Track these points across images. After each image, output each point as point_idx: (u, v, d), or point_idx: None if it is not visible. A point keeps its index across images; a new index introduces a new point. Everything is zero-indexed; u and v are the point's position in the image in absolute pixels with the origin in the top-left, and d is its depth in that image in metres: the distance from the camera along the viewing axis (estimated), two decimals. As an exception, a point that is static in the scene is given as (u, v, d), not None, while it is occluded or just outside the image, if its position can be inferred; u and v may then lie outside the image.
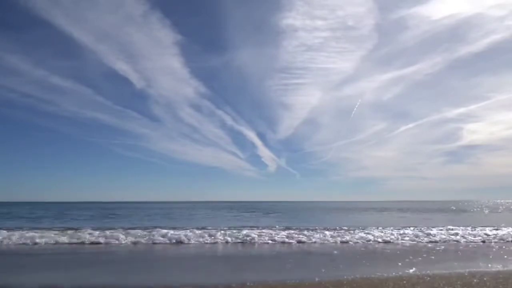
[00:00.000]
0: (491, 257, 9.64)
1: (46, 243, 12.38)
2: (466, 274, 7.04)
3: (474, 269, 7.58)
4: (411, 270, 7.48)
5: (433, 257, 9.48)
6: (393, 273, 7.18)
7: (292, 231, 14.94)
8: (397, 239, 13.52)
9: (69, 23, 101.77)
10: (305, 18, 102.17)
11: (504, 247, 11.74)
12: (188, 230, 14.64)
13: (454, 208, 53.78)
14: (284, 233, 14.45)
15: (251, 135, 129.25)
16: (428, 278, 6.63)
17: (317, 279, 6.66)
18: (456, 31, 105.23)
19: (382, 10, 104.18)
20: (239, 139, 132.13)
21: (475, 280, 6.46)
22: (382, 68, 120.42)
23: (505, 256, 9.79)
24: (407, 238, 13.63)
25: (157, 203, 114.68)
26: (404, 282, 6.37)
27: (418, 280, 6.52)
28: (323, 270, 7.70)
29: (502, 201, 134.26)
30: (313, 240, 13.20)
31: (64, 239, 12.89)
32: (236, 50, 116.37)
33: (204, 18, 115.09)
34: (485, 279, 6.57)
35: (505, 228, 16.13)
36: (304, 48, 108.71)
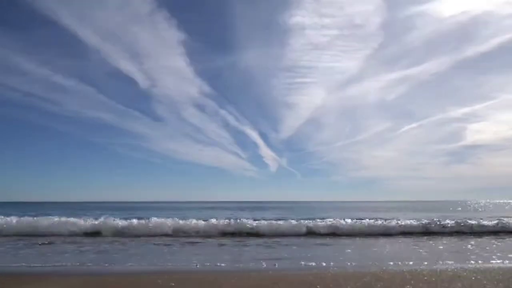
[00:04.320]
0: None
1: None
2: (465, 274, 7.00)
3: (474, 268, 7.53)
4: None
5: None
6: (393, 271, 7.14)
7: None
8: None
9: (74, 22, 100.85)
10: (314, 16, 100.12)
11: None
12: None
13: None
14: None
15: (254, 134, 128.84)
16: (427, 278, 6.59)
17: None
18: (465, 29, 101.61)
19: (390, 8, 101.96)
20: (241, 139, 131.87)
21: (474, 280, 6.43)
22: (388, 67, 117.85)
23: None
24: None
25: (156, 203, 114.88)
26: (410, 280, 6.34)
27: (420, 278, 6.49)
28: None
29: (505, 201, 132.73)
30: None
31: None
32: (243, 49, 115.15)
33: (211, 17, 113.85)
34: (485, 280, 6.53)
35: None
36: (311, 46, 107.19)
